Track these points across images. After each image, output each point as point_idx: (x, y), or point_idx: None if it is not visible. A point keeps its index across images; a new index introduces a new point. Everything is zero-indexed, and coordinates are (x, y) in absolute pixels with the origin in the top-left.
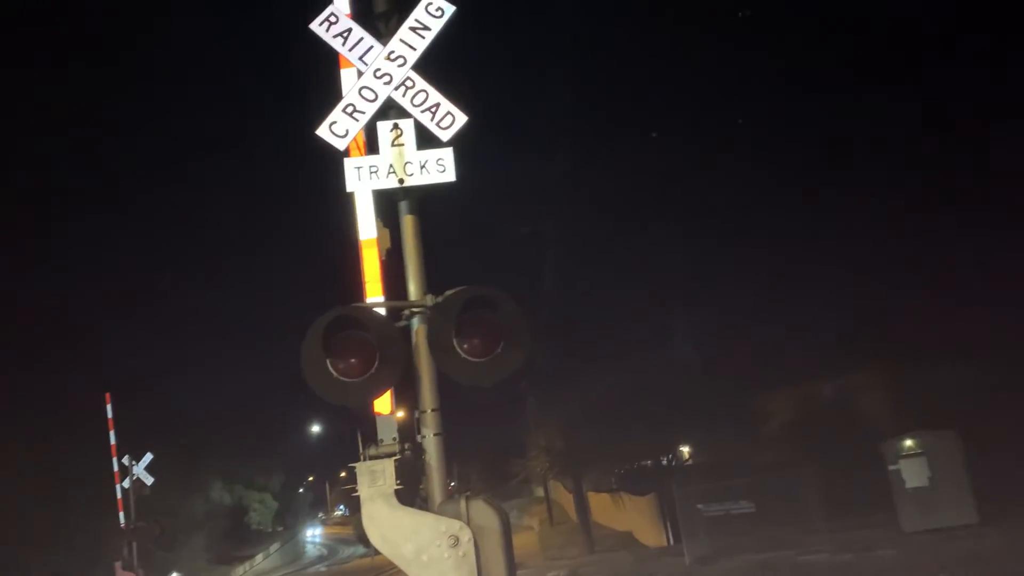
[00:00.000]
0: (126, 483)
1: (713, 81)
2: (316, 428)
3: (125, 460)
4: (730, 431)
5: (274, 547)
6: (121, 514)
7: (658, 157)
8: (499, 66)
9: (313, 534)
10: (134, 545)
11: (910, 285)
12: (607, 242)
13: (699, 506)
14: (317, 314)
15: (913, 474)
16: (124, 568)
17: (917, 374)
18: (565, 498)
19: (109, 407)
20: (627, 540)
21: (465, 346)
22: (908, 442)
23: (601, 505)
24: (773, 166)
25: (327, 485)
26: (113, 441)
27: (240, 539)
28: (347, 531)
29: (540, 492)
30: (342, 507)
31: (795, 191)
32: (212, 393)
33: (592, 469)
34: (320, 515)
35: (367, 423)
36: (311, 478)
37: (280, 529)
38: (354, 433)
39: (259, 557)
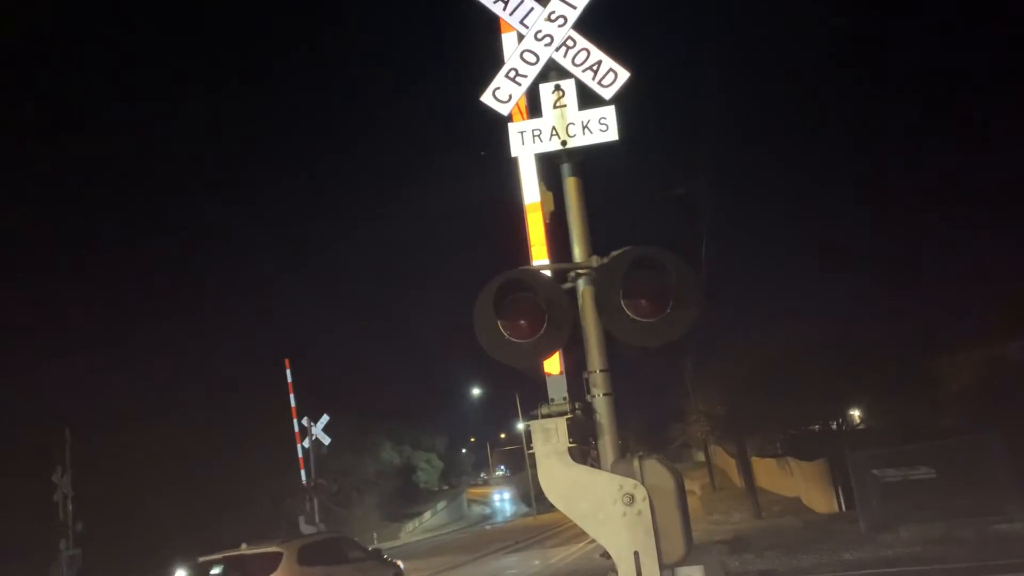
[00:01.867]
0: (306, 443)
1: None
2: (477, 391)
3: (304, 421)
4: (905, 395)
5: (440, 505)
6: (302, 472)
7: (824, 116)
8: (656, 20)
9: (502, 498)
10: (315, 501)
11: None
12: (770, 203)
13: (874, 471)
14: (486, 279)
15: None
16: (307, 522)
17: None
18: (727, 463)
19: (288, 372)
20: (795, 506)
21: (632, 307)
22: None
23: (766, 470)
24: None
25: (488, 446)
26: (293, 404)
27: (408, 497)
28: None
29: (700, 457)
30: (503, 467)
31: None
32: (382, 358)
33: (755, 434)
34: (482, 475)
35: (530, 385)
36: (473, 439)
37: (445, 488)
38: (514, 396)
39: (427, 514)
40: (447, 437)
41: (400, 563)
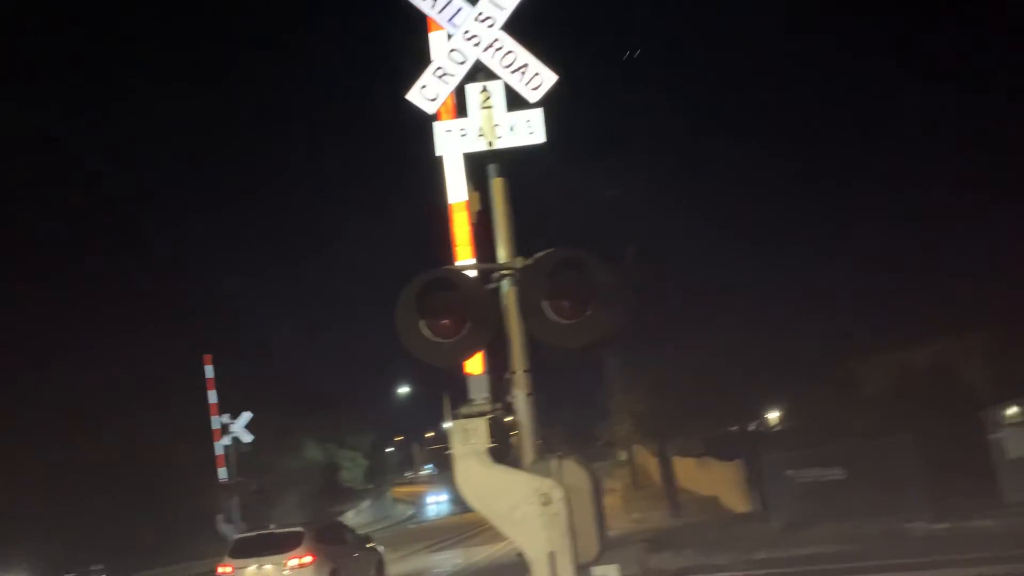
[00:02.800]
0: (226, 441)
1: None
2: (405, 389)
3: (225, 419)
4: (819, 398)
5: (365, 503)
6: (221, 470)
7: (746, 117)
8: (584, 25)
9: (436, 500)
10: (234, 500)
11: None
12: (694, 204)
13: (788, 472)
14: (411, 277)
15: (1016, 443)
16: (225, 521)
17: (1019, 340)
18: (649, 462)
19: (209, 368)
20: (712, 505)
21: (555, 308)
22: (1012, 410)
23: (686, 470)
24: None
25: (415, 444)
26: (213, 400)
27: (333, 495)
28: (433, 490)
29: (623, 456)
30: (430, 465)
31: (890, 148)
32: (306, 354)
33: (677, 433)
34: (407, 473)
35: (458, 383)
36: (399, 438)
37: (370, 487)
38: (441, 395)
39: (351, 513)
40: (373, 435)
41: (382, 548)
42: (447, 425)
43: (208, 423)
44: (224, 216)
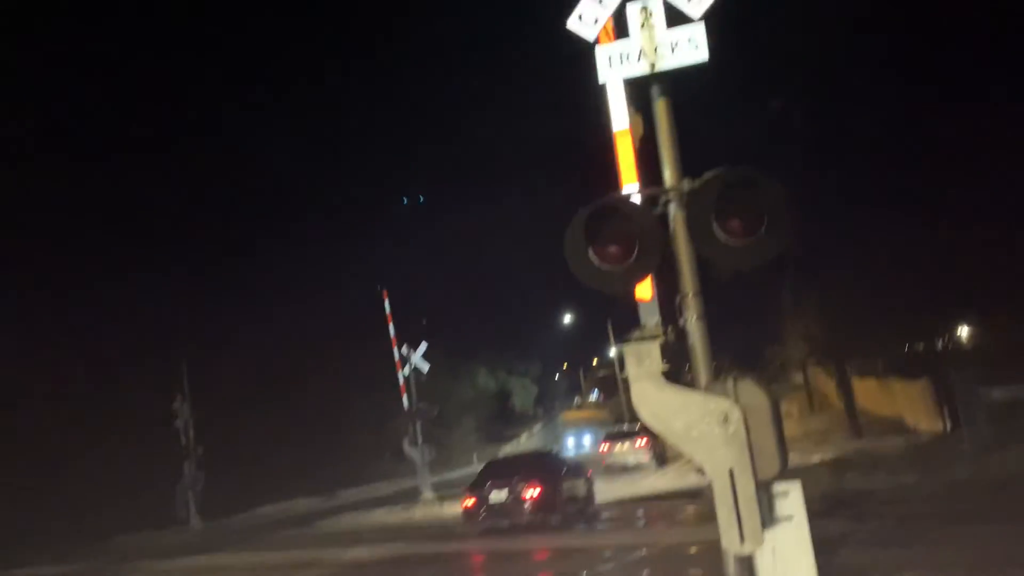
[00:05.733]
0: (406, 370)
1: None
2: (569, 318)
3: (403, 350)
4: (1016, 312)
5: (536, 427)
6: (404, 397)
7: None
8: None
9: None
10: (417, 424)
11: None
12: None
13: (981, 391)
14: (578, 206)
15: None
16: (410, 444)
17: None
18: (825, 384)
19: (387, 302)
20: (896, 426)
21: (724, 230)
22: None
23: (866, 391)
24: None
25: (581, 372)
26: (392, 333)
27: (505, 420)
28: (600, 415)
29: (798, 379)
30: (596, 392)
31: None
32: (476, 284)
33: (855, 354)
34: (576, 400)
35: (621, 312)
36: (566, 365)
37: (540, 412)
38: (605, 322)
39: (524, 436)
40: (541, 363)
41: None
42: (613, 352)
43: (377, 363)
44: (395, 159)
